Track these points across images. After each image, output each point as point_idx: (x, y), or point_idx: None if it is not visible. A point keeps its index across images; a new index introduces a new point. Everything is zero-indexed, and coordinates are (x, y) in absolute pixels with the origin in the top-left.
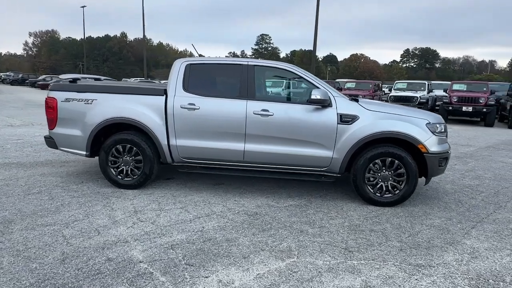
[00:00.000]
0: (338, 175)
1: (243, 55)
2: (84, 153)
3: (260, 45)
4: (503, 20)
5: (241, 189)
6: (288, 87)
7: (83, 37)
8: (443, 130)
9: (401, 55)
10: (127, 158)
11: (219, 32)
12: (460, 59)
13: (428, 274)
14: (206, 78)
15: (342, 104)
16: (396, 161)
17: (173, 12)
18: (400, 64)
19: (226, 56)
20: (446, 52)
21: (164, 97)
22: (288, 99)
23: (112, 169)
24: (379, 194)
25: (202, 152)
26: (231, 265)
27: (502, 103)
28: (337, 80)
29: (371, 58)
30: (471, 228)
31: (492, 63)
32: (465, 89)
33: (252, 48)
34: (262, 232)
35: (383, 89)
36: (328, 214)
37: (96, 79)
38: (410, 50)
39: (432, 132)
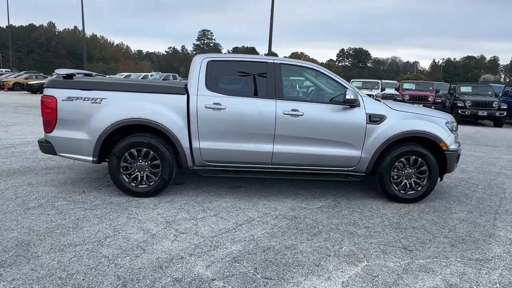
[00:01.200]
0: (364, 174)
1: (184, 50)
2: (91, 159)
3: (202, 41)
4: (422, 24)
5: (262, 191)
6: (315, 87)
7: (5, 25)
8: (456, 129)
9: (337, 54)
10: (142, 163)
11: (157, 25)
12: (388, 59)
13: (492, 267)
14: (230, 76)
15: (369, 104)
16: (419, 159)
17: (106, 3)
18: (336, 63)
19: (165, 51)
20: (377, 52)
21: (185, 96)
22: (316, 99)
23: (124, 176)
24: (403, 192)
25: (228, 154)
26: (310, 275)
27: (443, 101)
28: None
29: (310, 57)
30: (494, 219)
31: (416, 64)
32: (414, 88)
33: (193, 44)
34: (315, 237)
35: None
36: (363, 214)
37: (86, 75)
38: (345, 50)
39: (451, 131)
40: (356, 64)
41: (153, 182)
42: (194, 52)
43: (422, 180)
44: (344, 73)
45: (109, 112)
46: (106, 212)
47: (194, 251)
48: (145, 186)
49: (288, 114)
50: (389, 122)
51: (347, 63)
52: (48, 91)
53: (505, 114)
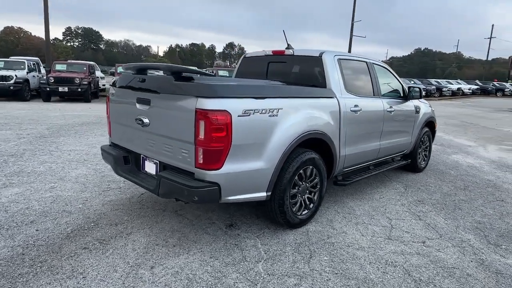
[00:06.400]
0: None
1: None
2: (264, 194)
3: None
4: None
5: (357, 189)
6: (389, 84)
7: None
8: None
9: (63, 33)
10: (304, 184)
11: None
12: (122, 42)
13: None
14: (353, 76)
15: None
16: (427, 137)
17: None
18: (64, 43)
19: None
20: (110, 34)
21: (335, 99)
22: (393, 95)
23: (291, 206)
24: (421, 163)
25: (358, 157)
26: None
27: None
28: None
29: (33, 34)
30: (477, 174)
31: (148, 47)
32: (65, 70)
33: None
34: (461, 211)
35: None
36: (431, 187)
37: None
38: (72, 28)
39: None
40: (87, 45)
41: (312, 205)
42: None
43: (427, 152)
44: (75, 55)
45: (287, 126)
46: (335, 259)
47: (486, 264)
48: (307, 211)
49: (389, 111)
50: (422, 111)
51: (76, 44)
52: (214, 103)
53: None
